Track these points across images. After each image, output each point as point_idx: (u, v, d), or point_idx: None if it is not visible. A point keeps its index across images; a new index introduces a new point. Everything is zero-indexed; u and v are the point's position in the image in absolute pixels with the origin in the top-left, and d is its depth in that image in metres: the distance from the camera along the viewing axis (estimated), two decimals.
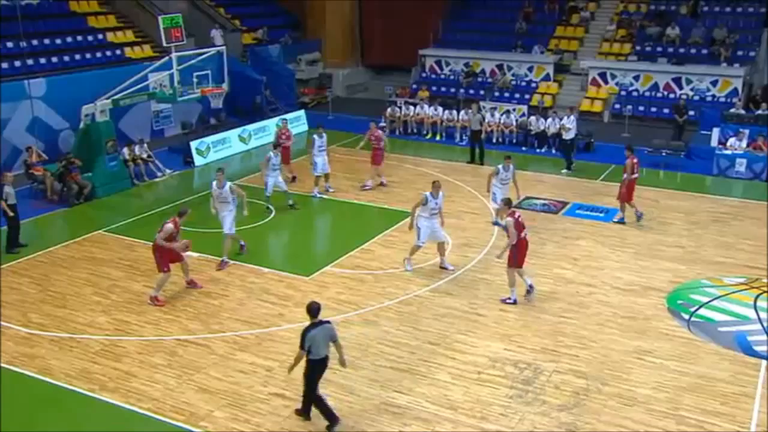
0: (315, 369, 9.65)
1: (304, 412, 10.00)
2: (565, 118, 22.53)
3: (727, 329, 12.53)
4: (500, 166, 17.09)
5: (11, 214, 15.76)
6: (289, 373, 10.00)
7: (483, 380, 11.00)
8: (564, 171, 21.69)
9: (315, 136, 19.16)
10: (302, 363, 9.69)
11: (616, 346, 11.96)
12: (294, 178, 20.37)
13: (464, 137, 24.80)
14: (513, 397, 10.57)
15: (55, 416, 10.39)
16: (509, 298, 13.32)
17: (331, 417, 9.81)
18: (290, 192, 18.45)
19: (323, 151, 19.04)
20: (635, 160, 17.09)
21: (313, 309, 9.59)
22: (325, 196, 19.33)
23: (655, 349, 11.84)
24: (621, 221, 17.29)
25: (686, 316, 12.96)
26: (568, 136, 22.01)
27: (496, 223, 16.86)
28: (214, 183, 15.03)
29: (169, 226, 13.26)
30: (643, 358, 11.61)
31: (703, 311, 13.13)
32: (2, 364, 11.44)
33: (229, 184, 14.94)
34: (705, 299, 13.55)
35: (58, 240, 16.59)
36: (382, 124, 26.65)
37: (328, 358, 9.72)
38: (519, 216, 13.32)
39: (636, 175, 17.17)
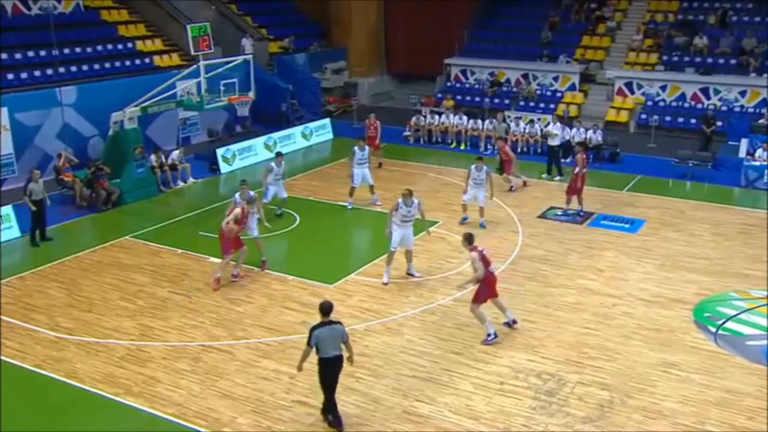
0: (322, 367, 9.82)
1: (325, 414, 10.15)
2: (551, 125, 22.81)
3: (755, 343, 12.37)
4: (473, 167, 17.41)
5: (34, 209, 16.57)
6: (298, 370, 10.07)
7: (506, 391, 10.96)
8: (545, 176, 21.75)
9: (356, 148, 19.09)
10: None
11: (640, 358, 11.85)
12: (380, 165, 22.39)
13: (489, 146, 24.75)
14: (536, 409, 10.51)
15: (80, 420, 10.53)
16: (489, 336, 12.25)
17: (336, 422, 10.01)
18: (285, 205, 18.52)
19: (363, 164, 19.05)
20: (584, 156, 18.59)
21: (325, 308, 9.79)
22: (378, 206, 19.06)
23: (681, 362, 11.71)
24: (579, 213, 18.48)
25: (713, 329, 12.81)
26: (553, 142, 22.16)
27: (464, 219, 17.76)
28: (238, 195, 15.10)
29: (237, 210, 14.08)
30: (669, 371, 11.49)
31: (730, 324, 12.98)
32: (30, 367, 11.65)
33: (251, 193, 15.08)
34: (732, 312, 13.40)
35: (86, 245, 16.84)
36: (407, 132, 26.73)
37: (341, 358, 9.84)
38: (483, 250, 12.50)
39: (585, 169, 18.40)
